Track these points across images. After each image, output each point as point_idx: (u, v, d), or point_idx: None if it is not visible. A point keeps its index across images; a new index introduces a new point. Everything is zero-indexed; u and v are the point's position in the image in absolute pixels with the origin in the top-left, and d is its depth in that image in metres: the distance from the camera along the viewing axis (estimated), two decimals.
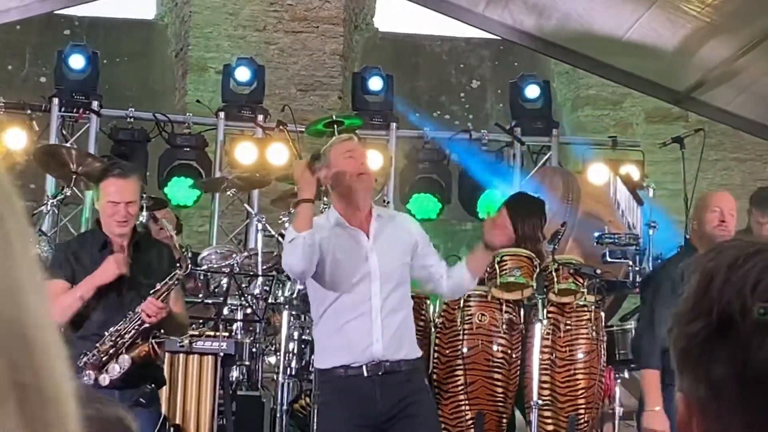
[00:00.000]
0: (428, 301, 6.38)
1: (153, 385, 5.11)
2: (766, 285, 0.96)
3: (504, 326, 6.22)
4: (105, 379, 4.98)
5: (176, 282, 5.04)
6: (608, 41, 8.20)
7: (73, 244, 5.50)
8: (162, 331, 5.10)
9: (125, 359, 4.99)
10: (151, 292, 4.99)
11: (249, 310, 7.08)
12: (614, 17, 7.89)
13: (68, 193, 7.70)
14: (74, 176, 7.48)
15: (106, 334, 4.99)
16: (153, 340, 5.01)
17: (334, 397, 4.91)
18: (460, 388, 6.17)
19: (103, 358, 4.99)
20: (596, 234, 7.22)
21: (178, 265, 5.12)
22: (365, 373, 4.83)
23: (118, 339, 5.00)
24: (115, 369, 4.99)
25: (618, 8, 7.76)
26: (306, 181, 4.85)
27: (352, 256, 4.90)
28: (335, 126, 7.70)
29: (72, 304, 4.95)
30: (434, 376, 6.19)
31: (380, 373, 4.84)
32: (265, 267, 7.33)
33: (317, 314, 5.06)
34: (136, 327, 4.99)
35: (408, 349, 4.96)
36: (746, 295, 0.96)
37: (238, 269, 7.23)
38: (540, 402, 5.99)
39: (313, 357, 5.42)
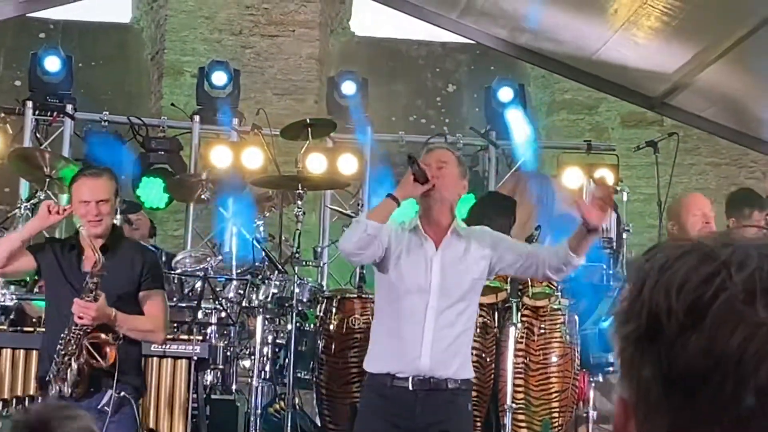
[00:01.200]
0: None
1: (121, 393, 4.97)
2: (690, 287, 0.97)
3: (478, 330, 6.22)
4: (67, 389, 4.93)
5: (95, 280, 4.89)
6: (580, 57, 8.21)
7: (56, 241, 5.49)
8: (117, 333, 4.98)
9: (73, 367, 4.92)
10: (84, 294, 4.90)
11: (223, 314, 7.06)
12: (583, 39, 7.88)
13: (42, 197, 7.64)
14: (48, 179, 7.45)
15: (60, 343, 4.92)
16: (86, 342, 4.88)
17: (376, 403, 4.92)
18: None
19: (62, 368, 4.93)
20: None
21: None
22: (410, 387, 4.82)
23: (68, 346, 4.92)
24: (69, 378, 4.92)
25: (588, 29, 7.74)
26: (406, 184, 4.86)
27: (416, 265, 4.88)
28: (310, 130, 7.67)
29: (7, 246, 5.07)
30: None
31: (425, 389, 4.82)
32: (239, 271, 7.31)
33: (377, 314, 5.12)
34: (79, 332, 4.91)
35: (458, 368, 4.89)
36: (672, 297, 0.98)
37: (212, 273, 7.21)
38: (514, 405, 6.00)
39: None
